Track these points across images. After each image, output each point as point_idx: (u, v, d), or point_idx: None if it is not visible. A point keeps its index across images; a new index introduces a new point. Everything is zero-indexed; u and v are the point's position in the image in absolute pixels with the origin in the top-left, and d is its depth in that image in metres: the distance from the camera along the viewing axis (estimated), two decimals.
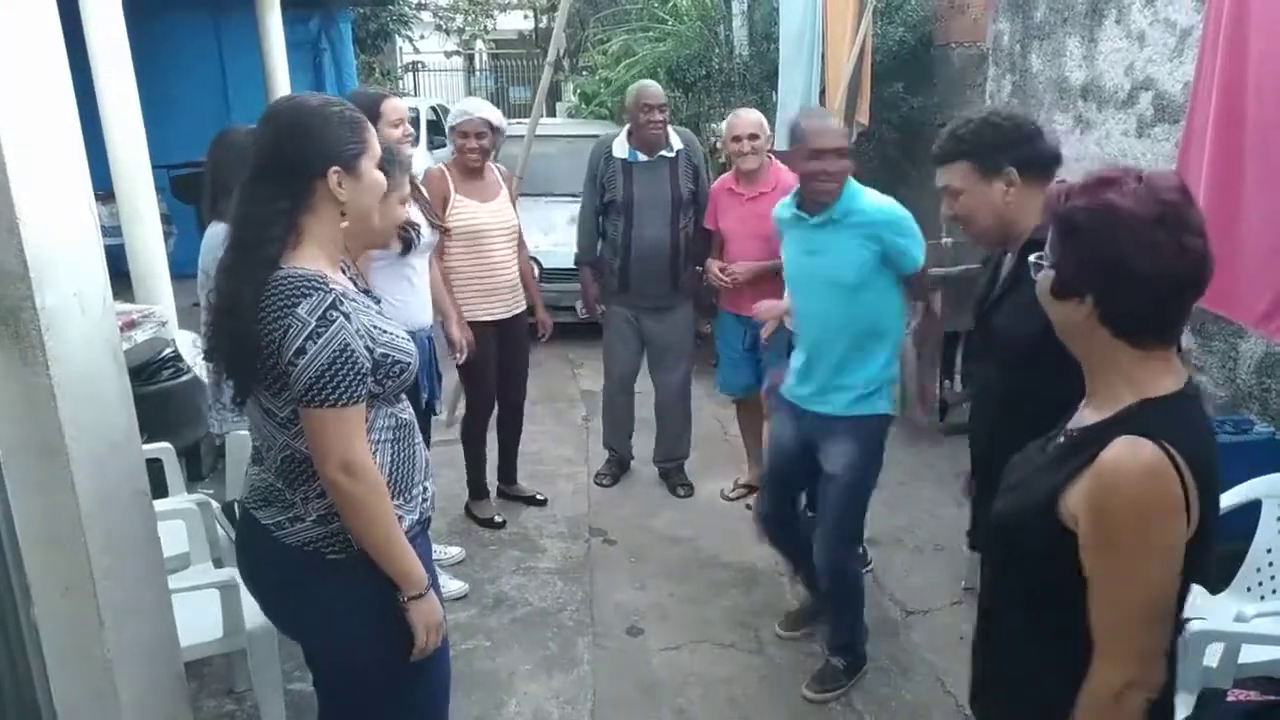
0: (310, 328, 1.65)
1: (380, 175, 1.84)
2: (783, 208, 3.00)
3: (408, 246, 3.19)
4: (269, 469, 1.82)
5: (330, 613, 1.83)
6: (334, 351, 1.66)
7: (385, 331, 1.81)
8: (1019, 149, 2.02)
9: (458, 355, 3.73)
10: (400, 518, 1.80)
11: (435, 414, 3.77)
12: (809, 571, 3.18)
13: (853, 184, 2.85)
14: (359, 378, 1.69)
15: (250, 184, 1.75)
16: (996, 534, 1.50)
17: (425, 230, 3.30)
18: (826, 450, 2.90)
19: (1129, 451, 1.25)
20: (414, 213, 3.18)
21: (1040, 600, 1.41)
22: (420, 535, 1.91)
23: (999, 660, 1.54)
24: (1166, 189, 1.28)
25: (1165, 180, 1.30)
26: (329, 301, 1.67)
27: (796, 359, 3.00)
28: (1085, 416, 1.39)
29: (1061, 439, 1.42)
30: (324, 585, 1.81)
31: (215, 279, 1.78)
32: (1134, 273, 1.26)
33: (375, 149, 1.82)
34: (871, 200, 2.83)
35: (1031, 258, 1.40)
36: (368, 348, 1.73)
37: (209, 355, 1.81)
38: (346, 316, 1.69)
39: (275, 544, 1.80)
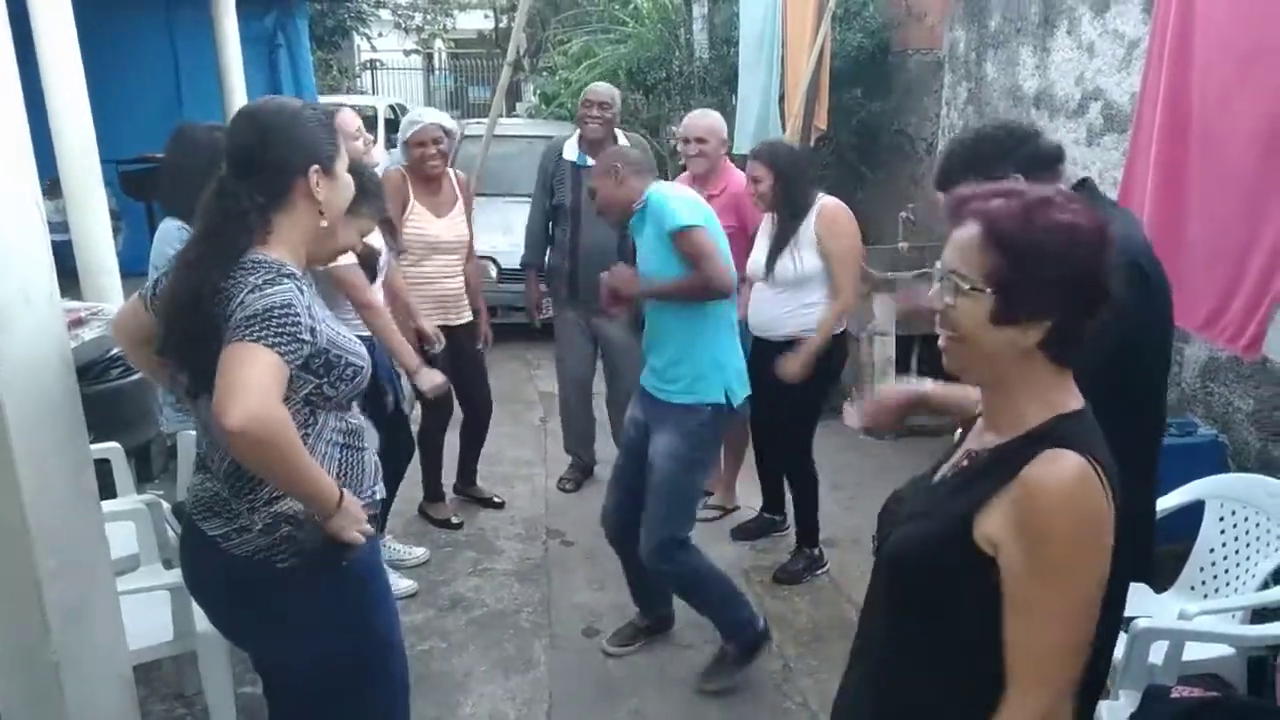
0: (255, 286, 1.64)
1: (350, 179, 1.87)
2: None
3: (374, 275, 3.16)
4: (216, 476, 1.79)
5: (285, 622, 1.81)
6: (274, 303, 1.62)
7: (339, 333, 1.79)
8: (1016, 152, 1.97)
9: (434, 347, 3.70)
10: None
11: (405, 414, 3.72)
12: (640, 587, 3.23)
13: (657, 187, 2.96)
14: (294, 340, 1.62)
15: (228, 179, 1.74)
16: (895, 567, 1.41)
17: (383, 253, 3.27)
18: (655, 437, 2.94)
19: (1058, 465, 1.20)
20: (375, 238, 3.15)
21: (945, 633, 1.33)
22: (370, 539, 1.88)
23: (885, 694, 1.43)
24: (1090, 208, 1.29)
25: (1079, 199, 1.32)
26: (281, 272, 1.68)
27: (645, 347, 3.08)
28: (986, 439, 1.34)
29: (965, 462, 1.37)
30: (277, 594, 1.79)
31: (174, 272, 1.75)
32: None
33: (345, 154, 1.86)
34: (659, 194, 2.92)
35: (941, 283, 1.30)
36: (316, 335, 1.69)
37: (162, 350, 1.78)
38: (300, 291, 1.68)
39: (223, 556, 1.78)
